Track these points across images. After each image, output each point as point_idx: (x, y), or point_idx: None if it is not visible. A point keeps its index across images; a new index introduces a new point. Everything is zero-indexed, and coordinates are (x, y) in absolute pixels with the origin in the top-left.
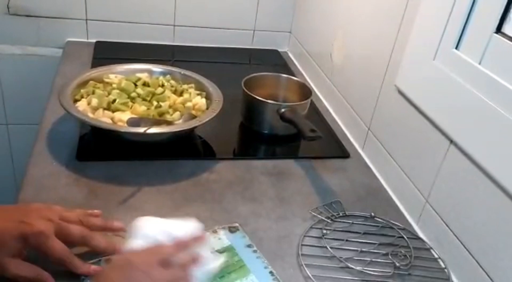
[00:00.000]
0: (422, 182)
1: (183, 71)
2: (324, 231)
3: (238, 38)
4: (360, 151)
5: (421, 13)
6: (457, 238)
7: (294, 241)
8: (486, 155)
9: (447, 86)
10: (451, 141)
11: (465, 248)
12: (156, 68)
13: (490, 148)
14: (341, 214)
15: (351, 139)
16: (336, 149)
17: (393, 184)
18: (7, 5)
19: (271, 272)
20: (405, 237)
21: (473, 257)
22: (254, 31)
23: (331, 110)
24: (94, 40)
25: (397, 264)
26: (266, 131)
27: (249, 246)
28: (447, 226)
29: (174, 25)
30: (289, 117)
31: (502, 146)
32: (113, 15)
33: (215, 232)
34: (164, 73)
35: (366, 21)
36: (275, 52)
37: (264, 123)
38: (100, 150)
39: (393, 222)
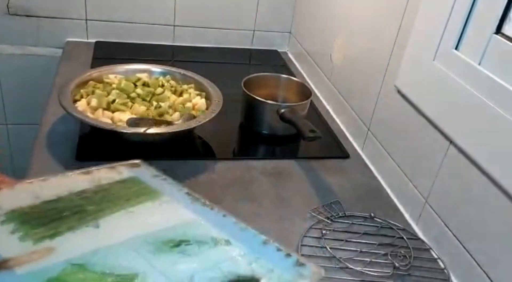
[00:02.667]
0: (421, 182)
1: (183, 72)
2: (324, 231)
3: (238, 39)
4: (359, 151)
5: (421, 13)
6: (457, 238)
7: (294, 241)
8: (485, 156)
9: (446, 87)
10: (451, 141)
11: (465, 248)
12: (156, 68)
13: (490, 149)
14: (340, 214)
15: (351, 139)
16: (335, 149)
17: (393, 184)
18: (7, 5)
19: (187, 193)
20: (404, 237)
21: (473, 258)
22: (254, 31)
23: (330, 110)
24: (94, 40)
25: (397, 265)
26: (265, 132)
27: (156, 176)
28: (446, 226)
29: (174, 25)
30: (289, 118)
31: (502, 147)
32: (113, 15)
33: (112, 168)
34: (163, 74)
35: (366, 22)
36: (275, 53)
37: (264, 124)
38: (99, 150)
39: (393, 222)
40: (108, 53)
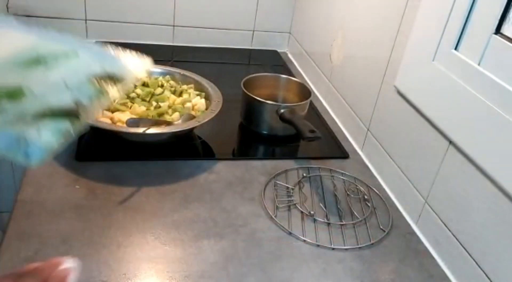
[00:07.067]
0: (421, 183)
1: (182, 72)
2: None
3: (238, 39)
4: (359, 151)
5: (421, 13)
6: (456, 238)
7: (294, 242)
8: (485, 156)
9: (446, 87)
10: (450, 142)
11: (464, 248)
12: (156, 68)
13: (489, 149)
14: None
15: (350, 139)
16: (335, 149)
17: (392, 184)
18: (7, 5)
19: (15, 18)
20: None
21: (472, 257)
22: (253, 31)
23: (330, 110)
24: (93, 41)
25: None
26: (265, 132)
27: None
28: (446, 226)
29: (174, 26)
30: (289, 118)
31: (501, 147)
32: (113, 15)
33: None
34: (163, 74)
35: (365, 22)
36: (274, 53)
37: (264, 124)
38: (99, 150)
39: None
40: None
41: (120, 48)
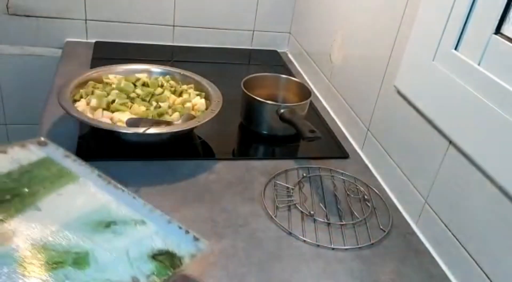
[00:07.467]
0: (421, 183)
1: (182, 72)
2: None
3: (238, 39)
4: (359, 151)
5: (421, 13)
6: (456, 238)
7: (294, 242)
8: (485, 156)
9: (446, 87)
10: (450, 142)
11: (464, 248)
12: (156, 68)
13: (489, 149)
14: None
15: (350, 139)
16: (335, 149)
17: (392, 184)
18: (6, 5)
19: (99, 175)
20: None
21: (472, 257)
22: (253, 31)
23: (330, 110)
24: (93, 40)
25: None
26: (265, 132)
27: (67, 156)
28: (446, 226)
29: (174, 26)
30: (289, 118)
31: (501, 147)
32: (113, 15)
33: (23, 146)
34: (163, 74)
35: (365, 22)
36: (274, 53)
37: (264, 124)
38: (99, 150)
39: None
40: (108, 53)
41: (183, 226)
